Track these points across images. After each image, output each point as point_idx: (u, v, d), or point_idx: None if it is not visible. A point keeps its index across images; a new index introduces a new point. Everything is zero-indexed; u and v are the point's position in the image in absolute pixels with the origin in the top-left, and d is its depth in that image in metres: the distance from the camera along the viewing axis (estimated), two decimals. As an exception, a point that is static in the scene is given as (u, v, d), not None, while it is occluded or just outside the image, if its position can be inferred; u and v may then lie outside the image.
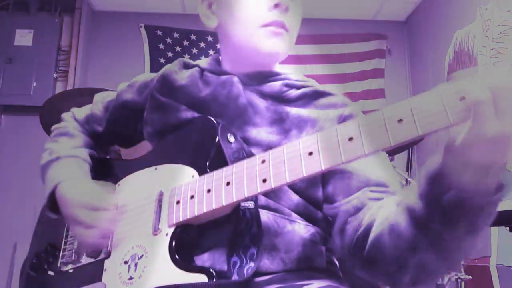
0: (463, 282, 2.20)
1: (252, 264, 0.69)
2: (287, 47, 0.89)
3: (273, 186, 0.64)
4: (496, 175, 0.54)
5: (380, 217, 0.72)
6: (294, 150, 0.64)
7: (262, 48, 0.87)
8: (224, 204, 0.69)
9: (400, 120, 0.54)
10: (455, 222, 0.58)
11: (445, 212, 0.58)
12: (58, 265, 0.92)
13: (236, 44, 0.90)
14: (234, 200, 0.68)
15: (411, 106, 0.53)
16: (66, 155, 0.97)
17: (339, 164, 0.59)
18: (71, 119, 1.09)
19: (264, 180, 0.65)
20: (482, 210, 0.57)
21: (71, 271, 0.89)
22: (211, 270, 0.68)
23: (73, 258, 0.90)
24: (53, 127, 1.08)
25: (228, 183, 0.70)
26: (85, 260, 0.88)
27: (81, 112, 1.08)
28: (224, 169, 0.72)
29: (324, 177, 0.84)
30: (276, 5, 0.85)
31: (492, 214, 0.58)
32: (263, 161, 0.67)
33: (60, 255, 0.93)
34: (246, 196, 0.67)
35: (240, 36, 0.89)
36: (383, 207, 0.73)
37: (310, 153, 0.62)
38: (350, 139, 0.58)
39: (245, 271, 0.69)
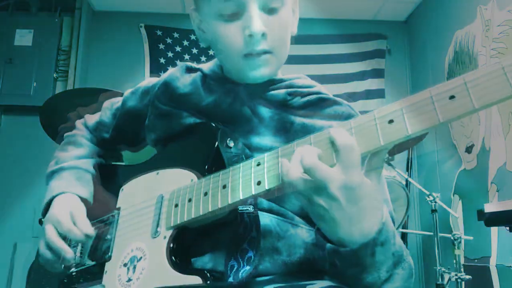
0: (463, 282, 2.20)
1: (247, 268, 0.70)
2: (275, 67, 0.87)
3: (267, 188, 0.65)
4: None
5: None
6: (289, 152, 0.64)
7: (247, 77, 0.85)
8: (219, 206, 0.69)
9: (391, 121, 0.57)
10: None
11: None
12: (62, 267, 0.92)
13: (225, 67, 0.91)
14: (230, 202, 0.68)
15: (402, 106, 0.56)
16: (68, 166, 0.99)
17: (332, 165, 0.60)
18: (82, 126, 1.11)
19: (259, 183, 0.66)
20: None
21: (74, 273, 0.90)
22: (206, 272, 0.69)
23: (75, 260, 0.91)
24: (64, 135, 1.11)
25: (224, 186, 0.70)
26: (87, 262, 0.89)
27: (92, 119, 1.10)
28: (221, 172, 0.72)
29: None
30: (251, 36, 0.80)
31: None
32: (258, 164, 0.67)
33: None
34: (241, 198, 0.67)
35: (226, 63, 0.89)
36: None
37: None
38: None
39: (240, 274, 0.70)
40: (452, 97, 0.53)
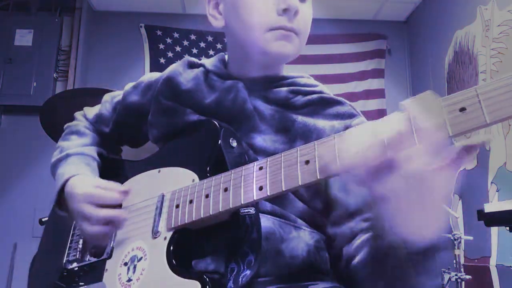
0: (463, 282, 2.20)
1: (248, 272, 0.69)
2: (296, 49, 0.86)
3: (269, 194, 0.64)
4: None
5: (363, 249, 0.72)
6: (291, 158, 0.63)
7: (269, 50, 0.84)
8: (220, 210, 0.69)
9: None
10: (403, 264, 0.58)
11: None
12: (64, 262, 0.92)
13: (243, 45, 0.88)
14: (231, 206, 0.68)
15: (411, 116, 0.53)
16: (74, 153, 0.97)
17: (335, 173, 0.58)
18: (82, 117, 1.09)
19: (261, 188, 0.65)
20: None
21: (76, 269, 0.90)
22: (205, 277, 0.68)
23: (77, 256, 0.91)
24: (65, 125, 1.09)
25: (225, 189, 0.69)
26: (88, 259, 0.89)
27: (92, 111, 1.09)
28: (223, 174, 0.71)
29: (327, 196, 0.82)
30: (285, 10, 0.81)
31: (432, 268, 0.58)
32: (260, 168, 0.66)
33: (66, 253, 0.94)
34: (242, 203, 0.67)
35: (247, 39, 0.86)
36: (361, 251, 0.73)
37: (307, 162, 0.61)
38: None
39: (240, 279, 0.69)
40: (462, 109, 0.49)
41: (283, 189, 0.62)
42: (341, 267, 0.78)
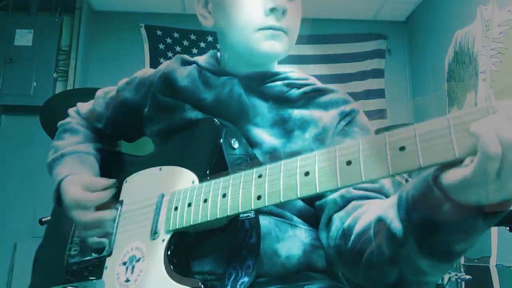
0: (463, 282, 2.20)
1: (246, 279, 0.69)
2: (286, 48, 0.87)
3: (267, 204, 0.63)
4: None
5: (361, 222, 0.70)
6: (291, 168, 0.62)
7: (259, 50, 0.85)
8: (218, 216, 0.68)
9: (403, 148, 0.50)
10: (429, 249, 0.56)
11: (419, 238, 0.56)
12: (65, 257, 0.93)
13: (233, 45, 0.89)
14: (229, 214, 0.67)
15: (417, 133, 0.50)
16: (69, 152, 0.98)
17: (334, 188, 0.57)
18: (75, 114, 1.10)
19: (259, 197, 0.64)
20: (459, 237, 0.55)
21: (77, 264, 0.90)
22: (200, 284, 0.68)
23: (79, 251, 0.91)
24: (58, 124, 1.09)
25: (224, 195, 0.69)
26: (90, 255, 0.89)
27: (85, 107, 1.09)
28: (222, 179, 0.71)
29: None
30: (272, 9, 0.82)
31: (472, 243, 0.56)
32: (259, 176, 0.65)
33: (67, 248, 0.94)
34: (240, 211, 0.66)
35: (236, 39, 0.87)
36: (366, 212, 0.71)
37: (307, 173, 0.59)
38: (349, 163, 0.55)
39: (238, 286, 0.69)
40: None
41: (281, 200, 0.61)
42: (330, 234, 0.77)
